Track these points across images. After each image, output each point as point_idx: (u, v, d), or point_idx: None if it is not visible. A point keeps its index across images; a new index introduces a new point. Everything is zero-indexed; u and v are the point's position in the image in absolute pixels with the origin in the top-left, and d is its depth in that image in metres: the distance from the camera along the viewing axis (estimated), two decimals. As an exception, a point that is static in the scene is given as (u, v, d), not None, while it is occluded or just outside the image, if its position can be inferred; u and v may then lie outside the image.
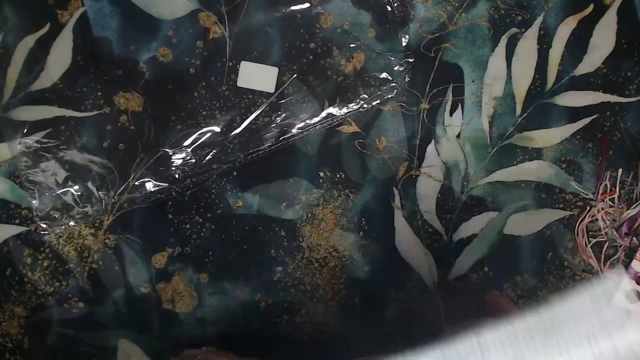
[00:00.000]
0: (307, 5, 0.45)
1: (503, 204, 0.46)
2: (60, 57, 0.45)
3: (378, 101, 0.44)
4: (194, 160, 0.46)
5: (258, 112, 0.45)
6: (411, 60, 0.44)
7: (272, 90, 0.43)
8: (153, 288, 0.47)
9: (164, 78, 0.45)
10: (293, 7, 0.45)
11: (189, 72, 0.45)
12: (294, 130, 0.45)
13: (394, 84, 0.44)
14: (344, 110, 0.45)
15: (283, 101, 0.45)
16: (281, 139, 0.46)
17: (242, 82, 0.44)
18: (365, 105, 0.45)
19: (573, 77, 0.45)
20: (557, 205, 0.46)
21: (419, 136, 0.46)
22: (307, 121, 0.45)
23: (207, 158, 0.46)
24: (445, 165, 0.46)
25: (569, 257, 0.46)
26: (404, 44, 0.44)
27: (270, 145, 0.46)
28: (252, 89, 0.45)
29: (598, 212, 0.45)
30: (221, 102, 0.46)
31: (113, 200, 0.46)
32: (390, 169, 0.46)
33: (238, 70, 0.45)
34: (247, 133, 0.46)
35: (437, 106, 0.46)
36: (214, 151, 0.46)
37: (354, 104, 0.45)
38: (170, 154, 0.46)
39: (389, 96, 0.45)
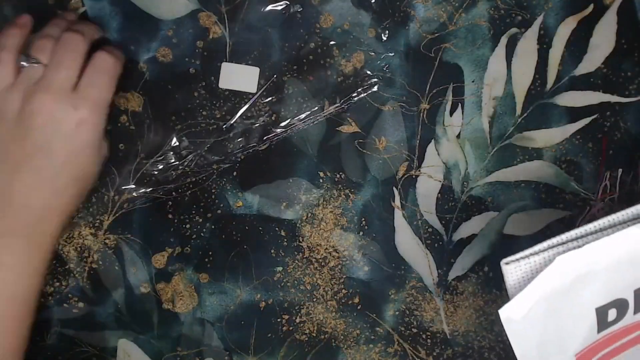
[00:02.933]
0: (307, 5, 0.45)
1: (503, 204, 0.46)
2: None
3: (362, 95, 0.44)
4: (194, 161, 0.46)
5: (256, 113, 0.45)
6: (390, 54, 0.44)
7: (254, 91, 0.44)
8: (153, 288, 0.47)
9: (164, 78, 0.45)
10: (293, 7, 0.45)
11: (189, 72, 0.45)
12: (295, 128, 0.45)
13: (375, 80, 0.44)
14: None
15: (283, 101, 0.45)
16: (281, 138, 0.46)
17: (223, 83, 0.44)
18: (351, 100, 0.45)
19: (573, 77, 0.45)
20: (557, 205, 0.46)
21: (419, 136, 0.46)
22: (304, 117, 0.45)
23: (207, 158, 0.46)
24: (445, 165, 0.46)
25: (569, 257, 0.46)
26: (384, 38, 0.44)
27: (270, 145, 0.46)
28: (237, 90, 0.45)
29: (598, 212, 0.45)
30: (221, 102, 0.46)
31: (113, 200, 0.46)
32: (390, 169, 0.46)
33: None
34: (247, 133, 0.46)
35: (437, 106, 0.46)
36: (214, 151, 0.46)
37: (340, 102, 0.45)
38: (170, 154, 0.46)
39: (371, 91, 0.45)
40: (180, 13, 0.45)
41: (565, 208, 0.46)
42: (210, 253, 0.47)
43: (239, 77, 0.44)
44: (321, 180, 0.46)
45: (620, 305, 0.34)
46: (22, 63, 0.37)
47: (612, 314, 0.34)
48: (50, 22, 0.41)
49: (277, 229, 0.47)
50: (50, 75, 0.37)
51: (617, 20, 0.45)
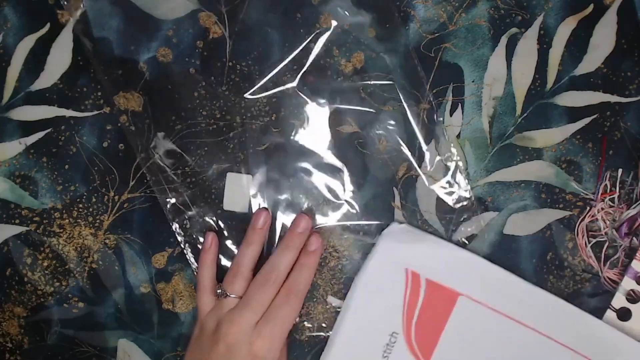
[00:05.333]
0: (307, 5, 0.45)
1: (503, 204, 0.46)
2: (60, 57, 0.45)
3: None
4: (194, 160, 0.46)
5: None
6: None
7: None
8: (153, 288, 0.47)
9: (164, 78, 0.46)
10: (293, 7, 0.45)
11: (189, 72, 0.45)
12: (294, 130, 0.45)
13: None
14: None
15: (283, 101, 0.45)
16: (281, 139, 0.46)
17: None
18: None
19: (573, 77, 0.45)
20: (557, 205, 0.46)
21: (419, 136, 0.46)
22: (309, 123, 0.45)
23: (207, 158, 0.46)
24: (446, 166, 0.46)
25: (569, 257, 0.46)
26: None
27: (270, 145, 0.46)
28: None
29: (598, 212, 0.45)
30: (221, 102, 0.46)
31: (113, 200, 0.46)
32: (390, 169, 0.46)
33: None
34: (247, 133, 0.46)
35: (437, 106, 0.46)
36: (214, 151, 0.46)
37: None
38: (170, 154, 0.46)
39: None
40: (180, 13, 0.45)
41: (565, 208, 0.46)
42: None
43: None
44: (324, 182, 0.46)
45: None
46: (217, 291, 0.43)
47: None
48: (245, 239, 0.45)
49: (277, 229, 0.47)
50: (239, 310, 0.42)
51: (617, 20, 0.45)
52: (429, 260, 0.44)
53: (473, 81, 0.46)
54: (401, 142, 0.46)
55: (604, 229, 0.45)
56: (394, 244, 0.45)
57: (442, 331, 0.44)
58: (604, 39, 0.45)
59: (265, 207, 0.46)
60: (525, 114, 0.46)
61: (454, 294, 0.44)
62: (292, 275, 0.43)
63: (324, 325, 0.47)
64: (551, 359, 0.43)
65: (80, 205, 0.47)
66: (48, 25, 0.45)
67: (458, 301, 0.44)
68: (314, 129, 0.46)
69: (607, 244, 0.45)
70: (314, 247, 0.44)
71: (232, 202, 0.46)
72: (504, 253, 0.46)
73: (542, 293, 0.44)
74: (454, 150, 0.46)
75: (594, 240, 0.45)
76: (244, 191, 0.46)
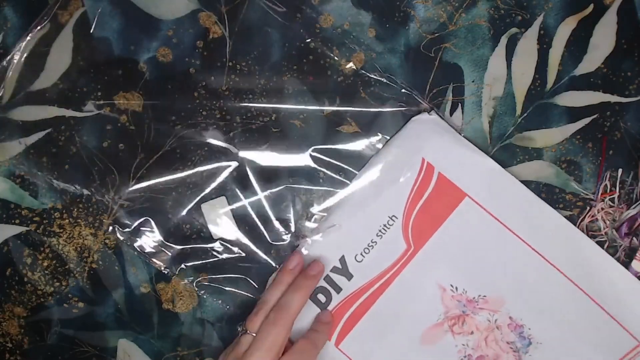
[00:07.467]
0: (307, 5, 0.45)
1: (503, 204, 0.46)
2: (60, 57, 0.45)
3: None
4: (194, 160, 0.46)
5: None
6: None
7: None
8: (153, 288, 0.47)
9: (164, 78, 0.46)
10: (293, 7, 0.45)
11: (189, 72, 0.45)
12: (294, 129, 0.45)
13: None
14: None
15: (283, 101, 0.45)
16: (281, 138, 0.46)
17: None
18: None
19: (573, 77, 0.45)
20: (557, 205, 0.46)
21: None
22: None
23: (206, 158, 0.46)
24: (445, 165, 0.46)
25: (569, 257, 0.46)
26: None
27: (270, 145, 0.46)
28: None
29: (598, 212, 0.45)
30: (221, 102, 0.46)
31: (113, 200, 0.46)
32: (390, 169, 0.46)
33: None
34: (247, 133, 0.46)
35: (437, 106, 0.46)
36: (214, 151, 0.46)
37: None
38: (170, 154, 0.46)
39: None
40: (180, 13, 0.45)
41: (565, 208, 0.46)
42: (210, 253, 0.47)
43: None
44: (321, 180, 0.46)
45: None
46: (238, 328, 0.42)
47: None
48: (276, 279, 0.44)
49: (277, 228, 0.47)
50: (250, 353, 0.39)
51: (617, 20, 0.45)
52: (447, 155, 0.45)
53: (473, 81, 0.46)
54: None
55: (604, 229, 0.45)
56: (419, 132, 0.45)
57: (439, 226, 0.45)
58: (604, 39, 0.45)
59: (299, 251, 0.46)
60: (525, 114, 0.46)
61: (461, 194, 0.44)
62: (308, 335, 0.43)
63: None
64: (542, 279, 0.44)
65: (80, 205, 0.47)
66: (48, 25, 0.45)
67: (463, 201, 0.44)
68: (314, 128, 0.46)
69: (607, 244, 0.45)
70: (314, 272, 0.44)
71: (218, 229, 0.46)
72: (504, 253, 0.46)
73: (553, 213, 0.44)
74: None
75: (594, 240, 0.45)
76: (223, 215, 0.46)
